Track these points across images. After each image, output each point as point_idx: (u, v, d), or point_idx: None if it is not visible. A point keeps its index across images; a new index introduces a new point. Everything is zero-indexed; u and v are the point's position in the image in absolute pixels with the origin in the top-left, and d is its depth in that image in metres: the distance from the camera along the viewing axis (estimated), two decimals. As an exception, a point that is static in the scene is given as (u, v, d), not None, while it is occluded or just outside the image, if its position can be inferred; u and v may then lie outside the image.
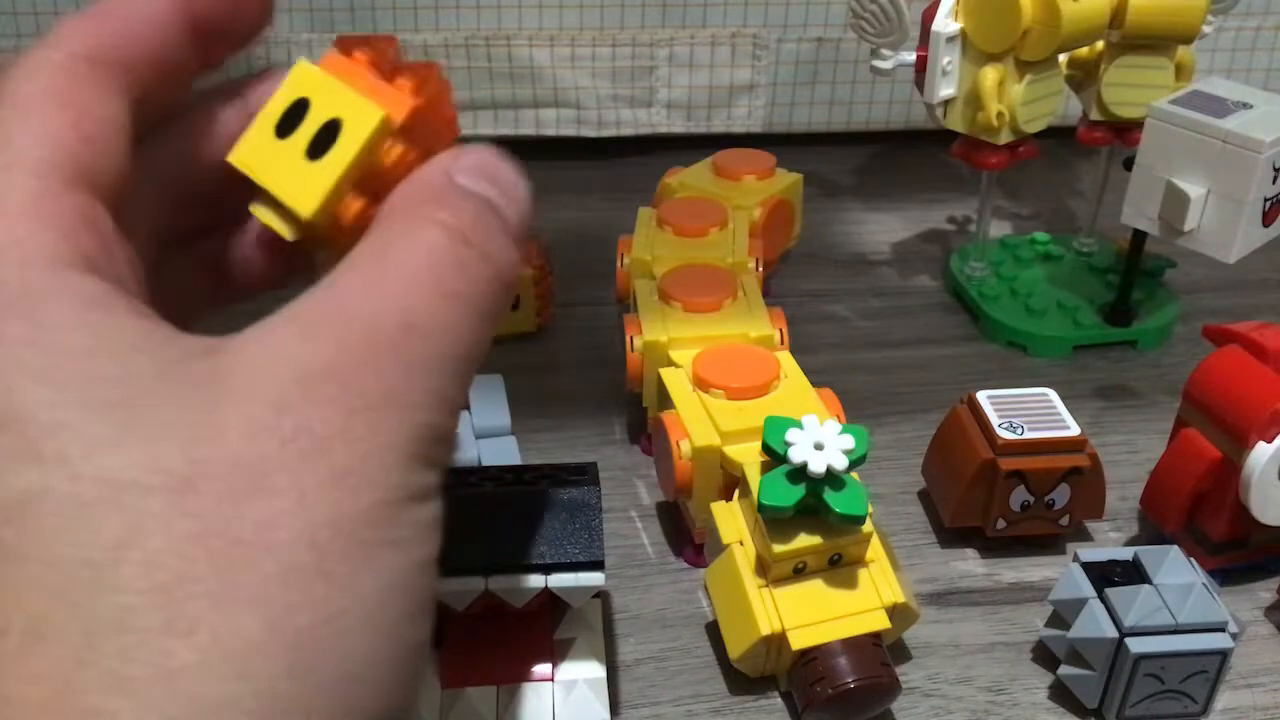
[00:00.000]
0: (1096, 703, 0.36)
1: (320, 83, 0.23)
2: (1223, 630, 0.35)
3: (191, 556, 0.17)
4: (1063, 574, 0.37)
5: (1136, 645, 0.34)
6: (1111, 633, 0.35)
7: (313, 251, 0.25)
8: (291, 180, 0.22)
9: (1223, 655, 0.35)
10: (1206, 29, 0.52)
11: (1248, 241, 0.45)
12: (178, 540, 0.17)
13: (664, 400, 0.42)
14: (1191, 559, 0.37)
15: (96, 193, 0.21)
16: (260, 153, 0.23)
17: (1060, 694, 0.37)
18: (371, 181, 0.23)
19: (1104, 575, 0.37)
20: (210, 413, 0.19)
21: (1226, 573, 0.41)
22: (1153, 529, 0.43)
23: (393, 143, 0.22)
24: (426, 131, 0.23)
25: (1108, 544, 0.44)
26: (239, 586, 0.17)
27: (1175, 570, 0.36)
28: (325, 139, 0.22)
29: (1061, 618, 0.37)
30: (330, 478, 0.19)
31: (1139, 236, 0.51)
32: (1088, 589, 0.36)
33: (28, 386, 0.18)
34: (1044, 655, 0.38)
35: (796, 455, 0.35)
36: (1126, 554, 0.37)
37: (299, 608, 0.18)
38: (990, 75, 0.49)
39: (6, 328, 0.19)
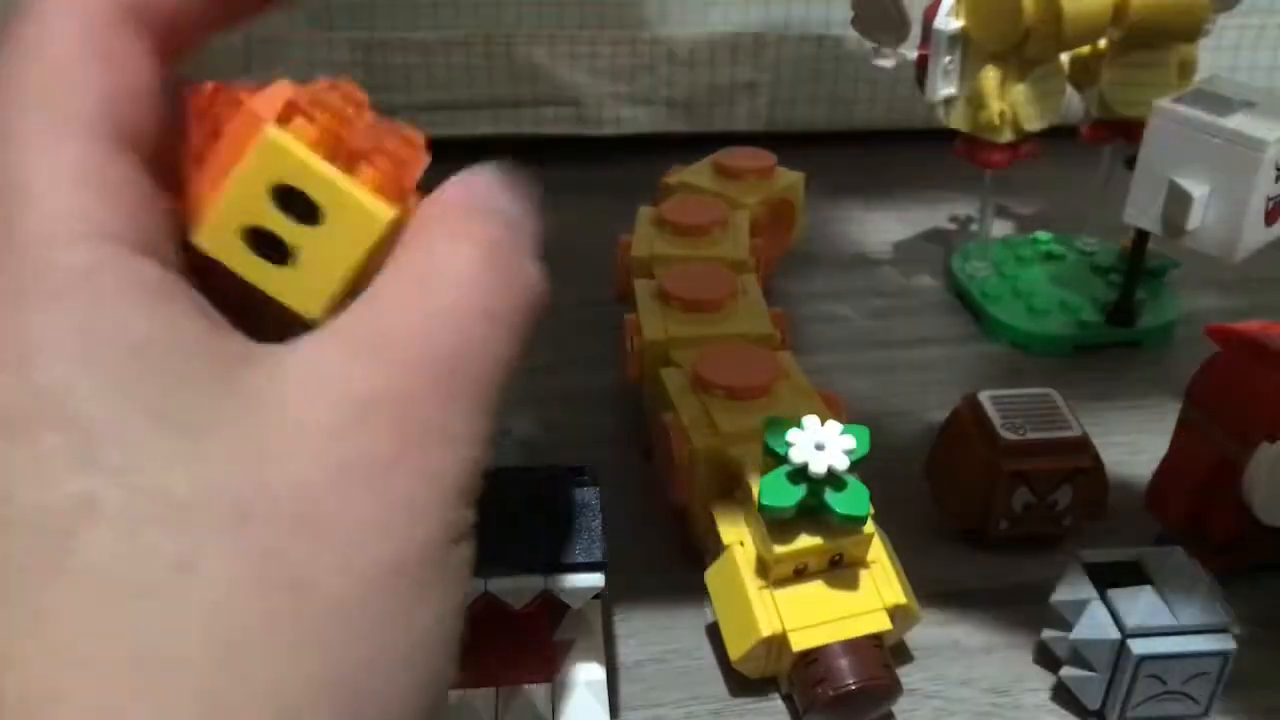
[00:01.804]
0: (1098, 704, 0.36)
1: (300, 168, 0.19)
2: (1225, 631, 0.35)
3: (243, 589, 0.16)
4: (1065, 575, 0.37)
5: (1139, 646, 0.34)
6: (1114, 634, 0.35)
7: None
8: (285, 277, 0.20)
9: (1225, 657, 0.35)
10: (1209, 27, 0.51)
11: (1251, 241, 0.45)
12: (232, 571, 0.16)
13: (664, 400, 0.42)
14: (1194, 560, 0.37)
15: (141, 159, 0.19)
16: (232, 240, 0.20)
17: (1062, 695, 0.37)
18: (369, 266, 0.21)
19: (1106, 576, 0.36)
20: (266, 436, 0.17)
21: (1229, 574, 0.41)
22: (1155, 530, 0.43)
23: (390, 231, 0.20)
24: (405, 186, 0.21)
25: (1110, 545, 0.43)
26: (289, 624, 0.17)
27: (1178, 571, 0.36)
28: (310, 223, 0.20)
29: (1064, 619, 0.37)
30: (384, 512, 0.18)
31: (1141, 236, 0.51)
32: (1090, 590, 0.36)
33: (85, 385, 0.17)
34: (1046, 657, 0.38)
35: (797, 456, 0.34)
36: (1129, 555, 0.37)
37: (348, 646, 0.17)
38: (992, 74, 0.49)
39: (64, 317, 0.17)
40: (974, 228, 0.63)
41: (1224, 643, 0.35)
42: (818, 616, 0.35)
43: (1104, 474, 0.42)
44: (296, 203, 0.20)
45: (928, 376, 0.53)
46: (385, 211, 0.20)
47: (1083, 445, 0.41)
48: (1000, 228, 0.65)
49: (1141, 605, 0.35)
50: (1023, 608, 0.40)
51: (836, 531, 0.35)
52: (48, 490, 0.16)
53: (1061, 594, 0.37)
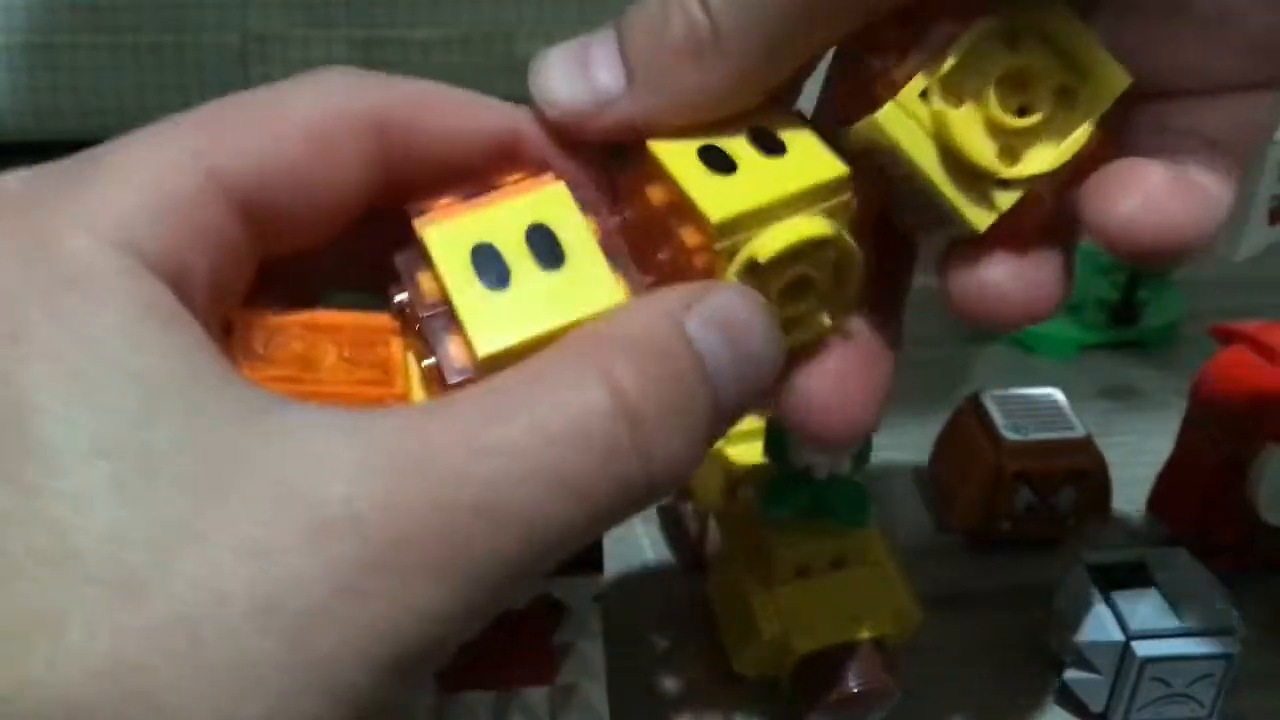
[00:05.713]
0: (1103, 707, 0.36)
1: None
2: (1230, 634, 0.35)
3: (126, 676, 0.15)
4: (1068, 577, 0.37)
5: (1143, 649, 0.34)
6: (1118, 636, 0.35)
7: None
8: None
9: (1230, 659, 0.35)
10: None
11: (1255, 240, 0.45)
12: (116, 648, 0.15)
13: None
14: (1199, 562, 0.37)
15: (246, 218, 0.20)
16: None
17: (1066, 698, 0.37)
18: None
19: (1110, 578, 0.36)
20: (208, 512, 0.16)
21: (1234, 575, 0.41)
22: (1160, 531, 0.43)
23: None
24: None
25: (1114, 547, 0.43)
26: None
27: (1182, 573, 0.36)
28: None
29: (1067, 621, 0.36)
30: (290, 655, 0.15)
31: (1145, 235, 0.51)
32: (1093, 592, 0.36)
33: (46, 401, 0.16)
34: (1049, 659, 0.38)
35: (799, 458, 0.34)
36: (1133, 556, 0.37)
37: None
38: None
39: (55, 320, 0.16)
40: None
41: (1229, 645, 0.35)
42: (820, 619, 0.35)
43: (1107, 475, 0.41)
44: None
45: (929, 376, 0.52)
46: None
47: (1086, 446, 0.41)
48: (1002, 227, 0.64)
49: (1146, 607, 0.35)
50: (1025, 610, 0.40)
51: (838, 533, 0.35)
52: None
53: (1065, 596, 0.37)
